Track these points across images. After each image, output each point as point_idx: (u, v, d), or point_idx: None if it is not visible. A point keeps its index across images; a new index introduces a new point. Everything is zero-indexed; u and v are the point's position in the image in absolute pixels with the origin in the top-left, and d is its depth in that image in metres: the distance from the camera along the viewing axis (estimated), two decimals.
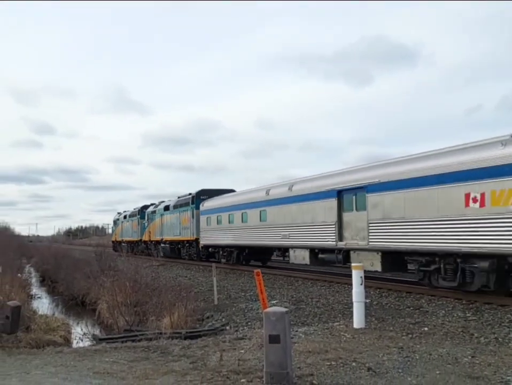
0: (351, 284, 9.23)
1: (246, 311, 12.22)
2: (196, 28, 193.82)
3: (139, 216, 42.19)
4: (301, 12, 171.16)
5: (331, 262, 17.55)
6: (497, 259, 11.11)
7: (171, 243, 33.04)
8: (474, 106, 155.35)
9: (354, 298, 8.95)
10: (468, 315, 10.13)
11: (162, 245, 34.70)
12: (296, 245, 18.86)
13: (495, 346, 7.42)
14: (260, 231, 21.63)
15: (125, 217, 48.27)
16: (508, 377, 5.66)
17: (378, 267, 14.60)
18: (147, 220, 39.62)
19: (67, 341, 11.43)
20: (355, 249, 15.61)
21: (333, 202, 16.53)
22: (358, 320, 8.95)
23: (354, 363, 6.43)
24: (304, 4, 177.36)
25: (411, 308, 11.29)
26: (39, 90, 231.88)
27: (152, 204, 41.07)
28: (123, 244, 45.19)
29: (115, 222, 53.76)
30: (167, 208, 34.90)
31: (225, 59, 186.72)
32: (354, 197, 15.78)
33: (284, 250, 20.42)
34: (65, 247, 57.39)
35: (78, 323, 14.43)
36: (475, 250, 11.51)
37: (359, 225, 15.38)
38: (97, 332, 13.24)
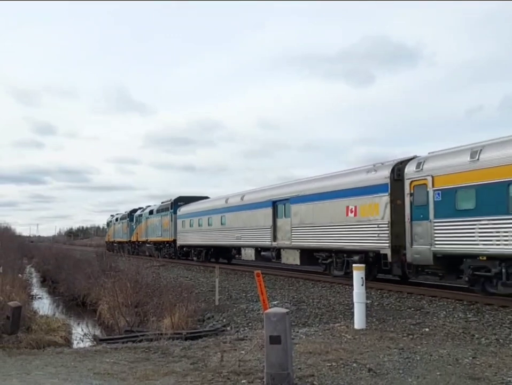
0: (352, 285, 9.22)
1: (246, 312, 12.22)
2: (198, 27, 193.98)
3: (128, 219, 45.93)
4: (303, 12, 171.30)
5: (268, 258, 22.00)
6: (365, 254, 15.71)
7: (155, 243, 37.07)
8: (475, 106, 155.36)
9: (355, 299, 8.95)
10: (469, 316, 10.13)
11: (147, 245, 38.28)
12: (246, 245, 23.63)
13: (496, 347, 7.41)
14: (221, 233, 26.37)
15: (116, 219, 52.20)
16: (509, 378, 5.66)
17: (297, 261, 19.32)
18: (135, 222, 43.46)
19: (68, 342, 11.41)
20: (283, 248, 20.20)
21: (269, 210, 21.15)
22: (359, 321, 8.94)
23: (354, 364, 6.42)
24: (306, 4, 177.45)
25: (412, 309, 11.28)
26: (41, 90, 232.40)
27: (139, 208, 44.39)
28: (115, 244, 48.70)
29: (108, 224, 58.01)
30: (151, 212, 38.98)
31: (227, 59, 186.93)
32: (283, 206, 20.36)
33: (238, 249, 24.72)
34: (66, 247, 57.92)
35: (78, 324, 14.41)
36: (352, 248, 16.24)
37: (286, 229, 19.91)
38: (98, 332, 13.23)
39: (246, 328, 10.49)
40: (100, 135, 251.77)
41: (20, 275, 21.37)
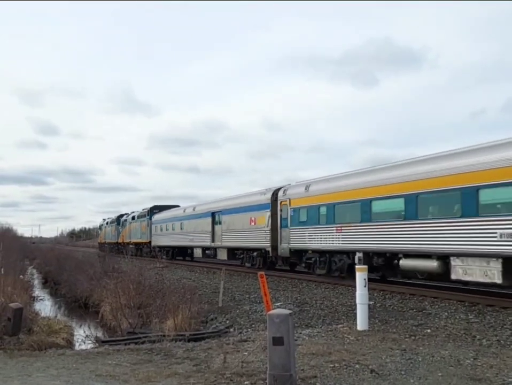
0: (355, 287, 9.23)
1: (250, 313, 12.23)
2: (203, 28, 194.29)
3: (116, 223, 51.98)
4: (308, 12, 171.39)
5: (209, 256, 29.48)
6: (262, 251, 22.78)
7: (135, 244, 44.14)
8: (479, 109, 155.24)
9: (358, 300, 8.96)
10: (470, 317, 10.13)
11: (130, 246, 44.66)
12: (196, 246, 31.29)
13: (497, 348, 7.41)
14: (181, 236, 33.59)
15: (107, 223, 58.33)
16: (510, 379, 5.66)
17: (225, 257, 26.72)
18: (121, 226, 49.61)
19: (69, 343, 11.41)
20: (218, 247, 27.67)
21: (209, 219, 28.70)
22: (361, 322, 8.95)
23: (357, 365, 6.43)
24: (312, 5, 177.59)
25: (414, 310, 11.28)
26: (45, 90, 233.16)
27: (125, 214, 50.70)
28: (106, 245, 54.20)
29: (100, 227, 64.41)
30: (133, 218, 45.94)
31: (232, 60, 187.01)
32: (218, 216, 27.89)
33: (192, 249, 32.51)
34: (68, 248, 58.12)
35: (80, 325, 14.42)
36: (253, 246, 23.54)
37: (219, 233, 27.33)
38: (100, 334, 13.22)
39: (249, 329, 10.49)
40: (104, 135, 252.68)
41: (21, 276, 21.39)
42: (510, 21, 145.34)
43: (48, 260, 36.28)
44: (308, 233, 18.94)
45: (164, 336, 9.62)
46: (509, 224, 11.17)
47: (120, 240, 48.95)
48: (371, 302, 9.65)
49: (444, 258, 12.96)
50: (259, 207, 22.92)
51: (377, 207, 15.62)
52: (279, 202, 21.19)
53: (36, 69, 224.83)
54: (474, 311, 10.83)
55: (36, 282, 28.94)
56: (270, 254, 21.81)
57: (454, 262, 12.51)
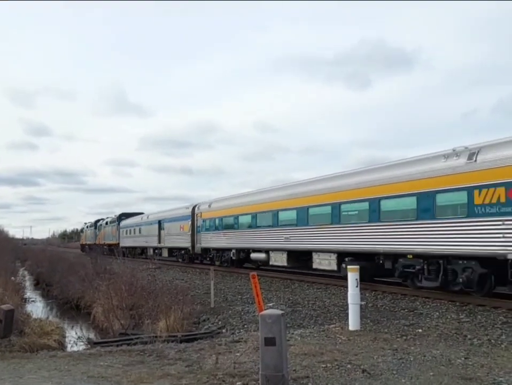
0: (347, 287, 9.26)
1: (242, 314, 12.23)
2: (196, 30, 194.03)
3: (94, 227, 60.17)
4: (302, 14, 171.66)
5: (158, 254, 36.51)
6: (187, 249, 31.18)
7: (108, 245, 50.36)
8: (471, 110, 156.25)
9: (350, 300, 8.99)
10: (461, 316, 10.20)
11: (105, 247, 50.47)
12: (149, 246, 39.79)
13: (488, 347, 7.47)
14: (139, 239, 42.03)
15: (87, 227, 66.49)
16: (500, 378, 5.71)
17: (167, 255, 35.53)
18: (98, 230, 57.56)
19: (61, 345, 11.34)
20: (164, 247, 36.15)
21: (157, 225, 37.26)
22: (353, 322, 8.98)
23: (349, 365, 6.45)
24: (305, 7, 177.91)
25: (406, 310, 11.34)
26: (37, 91, 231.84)
27: (101, 219, 58.15)
28: (86, 246, 61.16)
29: (82, 230, 73.86)
30: (106, 223, 54.05)
31: (225, 61, 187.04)
32: (162, 223, 36.21)
33: (146, 249, 40.80)
34: (60, 250, 58.30)
35: (72, 327, 14.33)
36: (183, 246, 31.83)
37: (163, 237, 35.94)
38: (92, 336, 13.17)
39: (241, 330, 10.49)
40: (97, 137, 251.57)
41: (12, 278, 21.25)
42: (502, 23, 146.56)
43: (39, 262, 36.01)
44: (210, 236, 27.78)
45: (156, 337, 9.59)
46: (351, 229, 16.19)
47: (97, 242, 55.61)
48: (362, 303, 9.68)
49: (307, 253, 18.76)
50: (185, 218, 31.62)
51: (241, 220, 24.25)
52: (195, 214, 30.14)
53: (28, 70, 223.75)
54: (465, 311, 10.90)
55: (27, 283, 28.73)
56: (191, 252, 30.83)
57: (317, 255, 17.93)
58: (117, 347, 8.93)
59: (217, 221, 26.79)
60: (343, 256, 16.54)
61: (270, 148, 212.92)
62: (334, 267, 16.93)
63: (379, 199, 14.90)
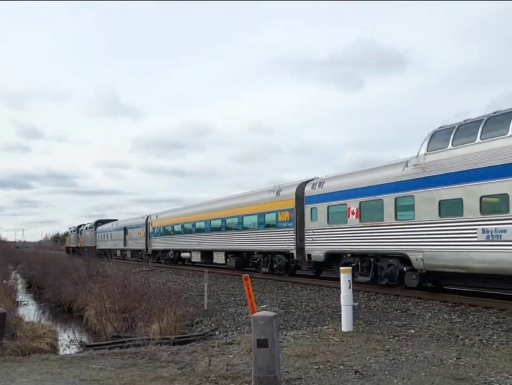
0: (340, 288, 9.28)
1: (235, 316, 12.22)
2: (190, 32, 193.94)
3: (76, 232, 66.59)
4: (295, 16, 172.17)
5: (124, 256, 44.78)
6: (143, 251, 39.52)
7: (87, 248, 54.00)
8: (463, 111, 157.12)
9: (342, 302, 9.02)
10: (453, 317, 10.26)
11: (85, 249, 54.55)
12: (117, 249, 46.20)
13: (479, 347, 7.52)
14: (111, 243, 48.54)
15: (71, 231, 72.62)
16: (492, 378, 5.75)
17: (130, 256, 43.30)
18: (80, 234, 64.18)
19: (54, 348, 11.28)
20: (128, 249, 43.93)
21: (122, 231, 44.83)
22: (346, 323, 9.00)
23: (341, 367, 6.47)
24: (298, 8, 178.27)
25: (398, 311, 11.39)
26: (29, 93, 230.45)
27: (82, 224, 64.75)
28: (70, 248, 68.91)
29: (67, 234, 79.67)
30: (86, 228, 61.48)
31: (218, 63, 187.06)
32: (127, 230, 43.66)
33: (115, 251, 45.02)
34: (52, 253, 58.52)
35: (65, 330, 14.26)
36: (140, 248, 40.54)
37: (128, 241, 43.60)
38: (84, 339, 13.13)
39: (234, 332, 10.49)
40: (89, 138, 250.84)
41: (4, 281, 21.10)
42: (493, 23, 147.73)
43: (32, 265, 35.79)
44: (157, 241, 36.60)
45: (149, 339, 9.57)
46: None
47: (79, 245, 62.65)
48: (355, 304, 9.70)
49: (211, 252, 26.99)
50: (141, 225, 40.15)
51: (175, 228, 33.03)
52: (148, 223, 38.53)
53: (20, 72, 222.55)
54: (457, 311, 10.96)
55: (19, 286, 28.49)
56: (145, 253, 38.04)
57: (215, 254, 26.31)
58: (109, 350, 8.90)
59: (161, 229, 35.77)
60: (227, 254, 24.76)
61: (263, 149, 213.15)
62: (223, 261, 25.25)
63: (243, 216, 23.41)
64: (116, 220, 53.29)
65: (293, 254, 19.20)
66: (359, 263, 15.58)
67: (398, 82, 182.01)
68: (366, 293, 14.38)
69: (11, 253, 54.39)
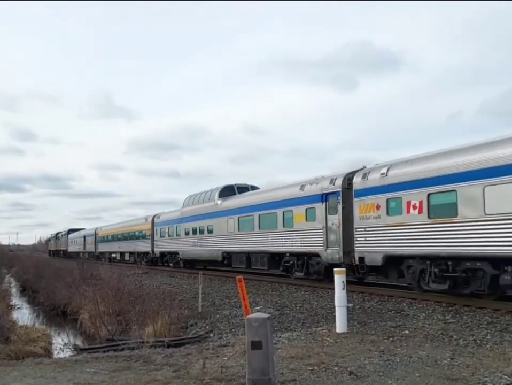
0: (334, 289, 9.28)
1: (230, 318, 12.20)
2: (183, 34, 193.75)
3: (55, 238, 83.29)
4: (287, 17, 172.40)
5: (93, 257, 49.20)
6: (92, 253, 54.66)
7: (63, 251, 72.91)
8: (456, 112, 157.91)
9: (336, 303, 9.02)
10: (448, 317, 10.29)
11: (60, 252, 74.72)
12: (84, 251, 58.38)
13: (473, 348, 7.54)
14: (78, 246, 63.27)
15: (52, 237, 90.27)
16: (486, 378, 5.76)
17: (86, 256, 49.87)
18: (58, 240, 79.71)
19: (48, 352, 11.23)
20: (86, 252, 57.13)
21: (83, 239, 61.32)
22: (340, 325, 9.01)
23: (336, 368, 6.47)
24: (291, 10, 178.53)
25: (393, 311, 11.41)
26: (22, 95, 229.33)
27: (60, 232, 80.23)
28: (51, 251, 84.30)
29: (50, 239, 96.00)
30: (62, 235, 76.75)
31: (212, 65, 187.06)
32: (85, 237, 60.23)
33: (83, 253, 56.27)
34: (45, 256, 58.94)
35: (59, 334, 14.18)
36: (89, 251, 58.57)
37: (86, 245, 59.69)
38: (78, 342, 13.06)
39: (229, 334, 10.46)
40: (83, 141, 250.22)
41: None
42: (486, 25, 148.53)
43: (26, 268, 35.66)
44: (102, 246, 52.41)
45: (143, 342, 9.54)
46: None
47: (57, 248, 79.13)
48: (350, 305, 9.71)
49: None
50: (92, 235, 56.69)
51: (111, 238, 49.35)
52: (96, 233, 55.00)
53: (13, 74, 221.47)
54: (451, 312, 11.00)
55: (13, 290, 28.37)
56: (94, 255, 51.38)
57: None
58: (103, 353, 8.87)
59: (105, 237, 51.85)
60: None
61: (257, 150, 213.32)
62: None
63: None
64: (84, 228, 69.32)
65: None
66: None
67: (392, 83, 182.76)
68: (361, 294, 14.40)
69: (5, 257, 54.11)
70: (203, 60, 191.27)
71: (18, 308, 20.97)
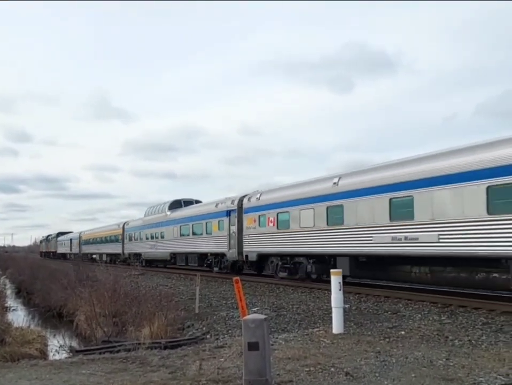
0: (331, 290, 9.30)
1: (227, 319, 12.19)
2: (181, 35, 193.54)
3: (46, 240, 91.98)
4: (284, 18, 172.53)
5: (73, 258, 58.40)
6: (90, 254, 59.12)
7: (53, 252, 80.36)
8: (452, 113, 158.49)
9: (333, 304, 9.03)
10: (443, 318, 10.33)
11: (50, 253, 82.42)
12: (72, 253, 64.70)
13: (468, 348, 7.57)
14: (65, 248, 70.28)
15: (43, 239, 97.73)
16: (481, 379, 5.79)
17: (73, 257, 60.60)
18: (48, 242, 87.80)
19: (43, 354, 11.19)
20: (71, 253, 64.75)
21: (69, 241, 67.80)
22: (337, 325, 9.03)
23: (332, 369, 6.49)
24: (287, 11, 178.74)
25: (389, 312, 11.44)
26: (18, 96, 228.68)
27: (49, 235, 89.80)
28: (43, 252, 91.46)
29: (41, 242, 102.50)
30: (52, 238, 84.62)
31: (209, 66, 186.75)
32: (72, 240, 66.78)
33: (68, 254, 66.29)
34: (40, 257, 59.10)
35: (55, 335, 14.16)
36: (73, 252, 66.45)
37: (72, 247, 66.12)
38: (74, 344, 13.02)
39: (225, 336, 10.45)
40: (79, 142, 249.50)
41: None
42: (483, 28, 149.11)
43: (21, 269, 35.55)
44: (85, 248, 58.24)
45: (139, 344, 9.52)
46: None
47: (47, 250, 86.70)
48: (346, 306, 9.73)
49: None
50: (76, 238, 63.86)
51: (90, 241, 56.97)
52: (80, 236, 61.28)
53: (8, 75, 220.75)
54: (447, 312, 11.04)
55: (8, 292, 28.21)
56: (78, 255, 53.18)
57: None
58: (99, 355, 8.84)
59: (88, 240, 57.28)
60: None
61: (254, 152, 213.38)
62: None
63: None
64: (71, 232, 75.01)
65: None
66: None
67: (389, 84, 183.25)
68: (357, 295, 14.43)
69: (0, 258, 53.85)
70: (201, 61, 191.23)
71: (13, 309, 20.86)
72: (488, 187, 11.31)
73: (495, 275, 11.91)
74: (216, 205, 25.50)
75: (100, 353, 9.16)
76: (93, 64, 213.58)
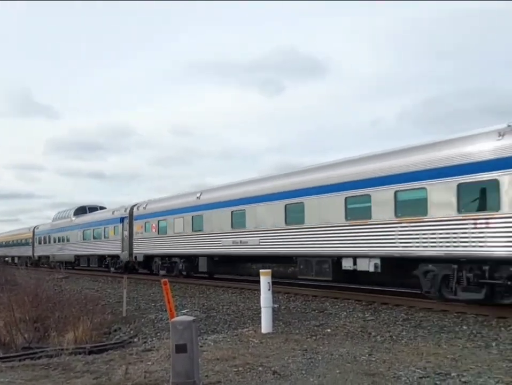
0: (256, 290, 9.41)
1: (155, 322, 11.98)
2: (110, 33, 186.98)
3: None
4: (216, 18, 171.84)
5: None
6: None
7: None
8: (378, 117, 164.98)
9: (262, 304, 9.15)
10: (367, 315, 10.78)
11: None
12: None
13: (390, 343, 7.95)
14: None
15: None
16: (400, 372, 6.10)
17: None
18: None
19: None
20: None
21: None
22: (266, 325, 9.14)
23: (260, 368, 6.56)
24: (217, 13, 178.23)
25: (316, 311, 11.77)
26: None
27: None
28: None
29: None
30: None
31: (140, 65, 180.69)
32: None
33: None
34: None
35: None
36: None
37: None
38: None
39: (154, 338, 10.28)
40: None
41: None
42: (407, 35, 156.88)
43: None
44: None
45: (62, 349, 9.14)
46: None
47: None
48: (275, 305, 9.88)
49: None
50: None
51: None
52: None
53: None
54: (370, 309, 11.53)
55: None
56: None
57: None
58: (19, 362, 8.41)
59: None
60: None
61: (186, 152, 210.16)
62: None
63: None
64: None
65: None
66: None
67: (319, 88, 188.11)
68: (286, 295, 14.71)
69: None
70: (131, 60, 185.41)
71: None
72: (286, 205, 15.64)
73: (292, 267, 17.49)
74: (113, 212, 29.45)
75: (20, 360, 8.72)
76: (16, 58, 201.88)
